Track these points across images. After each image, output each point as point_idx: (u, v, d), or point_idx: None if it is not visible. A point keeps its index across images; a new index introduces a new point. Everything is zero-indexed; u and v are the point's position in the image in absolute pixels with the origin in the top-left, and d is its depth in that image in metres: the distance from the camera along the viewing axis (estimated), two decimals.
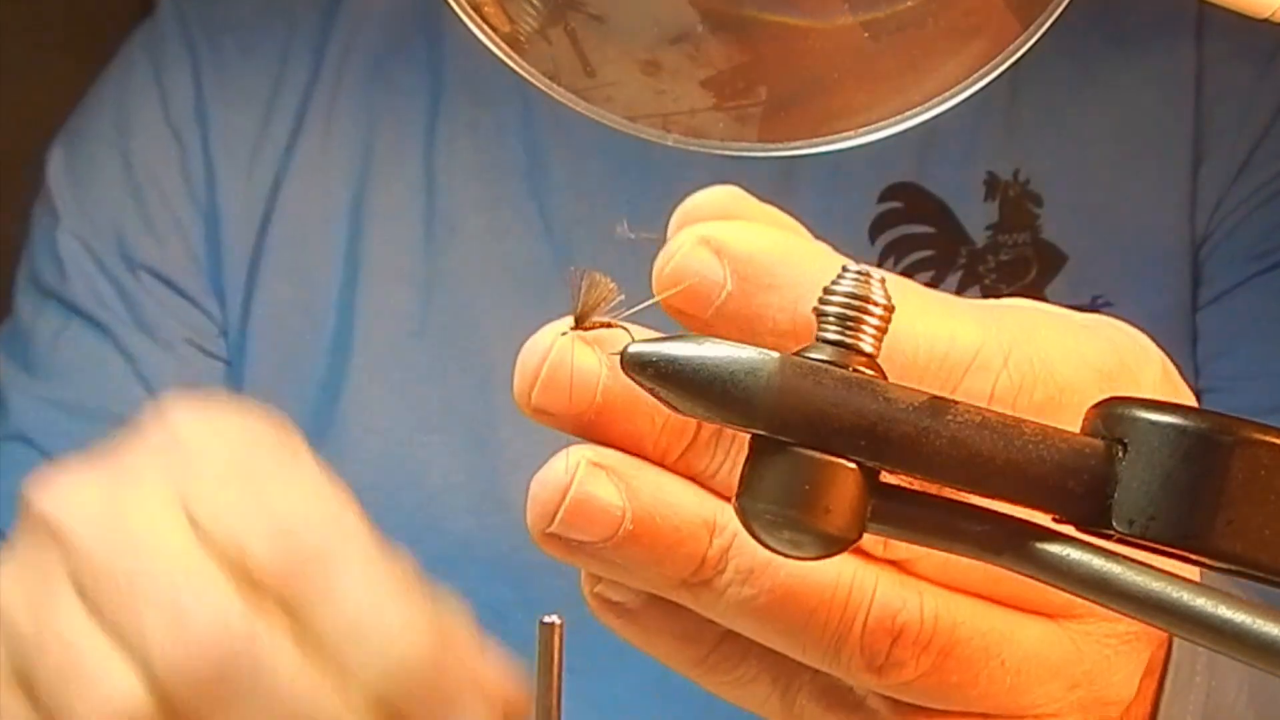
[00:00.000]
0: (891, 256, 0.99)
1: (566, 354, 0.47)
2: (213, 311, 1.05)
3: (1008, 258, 1.00)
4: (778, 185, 0.99)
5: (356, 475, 1.00)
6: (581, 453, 0.48)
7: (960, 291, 1.00)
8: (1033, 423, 0.41)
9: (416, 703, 0.52)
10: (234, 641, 0.50)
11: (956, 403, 0.41)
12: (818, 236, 0.96)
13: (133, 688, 0.50)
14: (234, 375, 1.06)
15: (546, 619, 0.45)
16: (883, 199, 0.99)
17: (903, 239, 0.99)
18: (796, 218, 1.00)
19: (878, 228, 0.99)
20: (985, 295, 1.00)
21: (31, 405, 1.05)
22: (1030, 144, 1.01)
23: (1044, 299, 0.99)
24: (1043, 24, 0.46)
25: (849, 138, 0.49)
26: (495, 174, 1.02)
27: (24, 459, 1.02)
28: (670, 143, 0.48)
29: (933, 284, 0.99)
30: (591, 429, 0.48)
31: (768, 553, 0.46)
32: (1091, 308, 0.99)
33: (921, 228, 0.99)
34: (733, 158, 0.97)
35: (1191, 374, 1.02)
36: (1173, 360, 0.52)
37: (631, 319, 0.44)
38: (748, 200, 0.50)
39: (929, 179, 1.00)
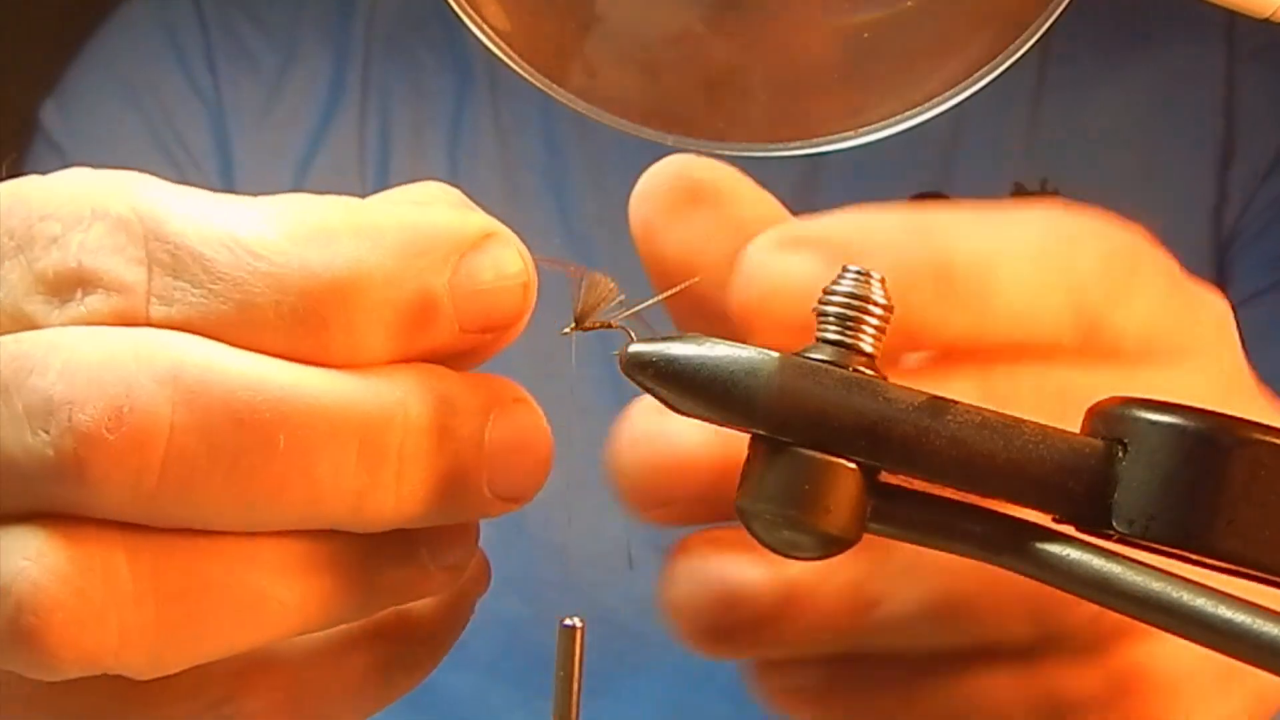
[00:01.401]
0: None
1: (671, 439, 0.46)
2: None
3: None
4: (799, 192, 1.00)
5: None
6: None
7: None
8: (1033, 423, 0.42)
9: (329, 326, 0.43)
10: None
11: (956, 403, 0.42)
12: None
13: None
14: None
15: (567, 622, 0.46)
16: None
17: None
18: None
19: None
20: None
21: None
22: (1057, 152, 1.02)
23: None
24: (1042, 24, 0.48)
25: (849, 138, 0.50)
26: (515, 168, 1.03)
27: None
28: (670, 143, 0.49)
29: None
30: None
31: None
32: None
33: None
34: (753, 163, 0.98)
35: None
36: None
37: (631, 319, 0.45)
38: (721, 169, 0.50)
39: (955, 189, 1.00)
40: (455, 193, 0.50)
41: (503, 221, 1.07)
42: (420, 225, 0.45)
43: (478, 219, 0.47)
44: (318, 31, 1.08)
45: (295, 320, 0.42)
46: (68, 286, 0.43)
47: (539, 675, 1.00)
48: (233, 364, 0.42)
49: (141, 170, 1.05)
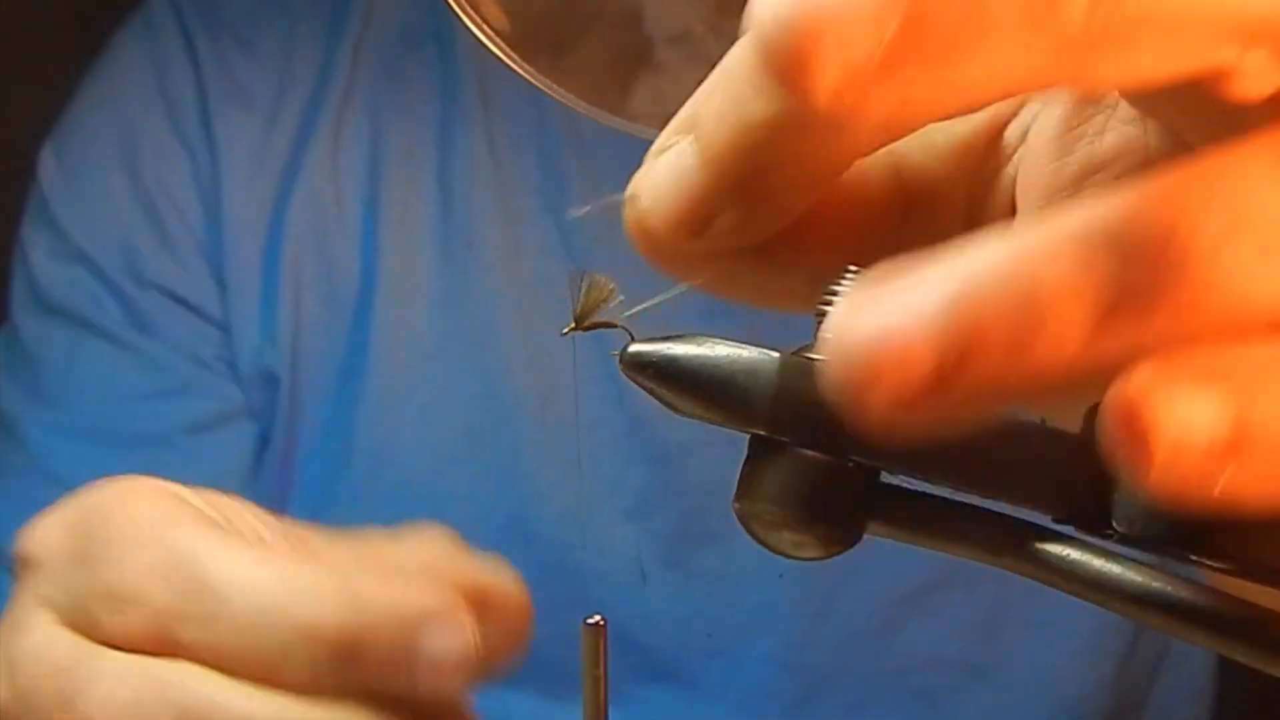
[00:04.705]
0: None
1: None
2: (226, 329, 1.06)
3: None
4: None
5: (375, 511, 1.03)
6: None
7: None
8: (1032, 423, 0.43)
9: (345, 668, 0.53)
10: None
11: None
12: None
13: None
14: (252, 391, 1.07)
15: (590, 620, 0.48)
16: None
17: None
18: None
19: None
20: None
21: (48, 436, 1.06)
22: None
23: None
24: None
25: None
26: (510, 188, 1.04)
27: (47, 495, 1.05)
28: None
29: None
30: None
31: None
32: None
33: None
34: None
35: None
36: None
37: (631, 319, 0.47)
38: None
39: None
40: (445, 542, 0.62)
41: (500, 244, 1.08)
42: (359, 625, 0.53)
43: (417, 601, 0.54)
44: (307, 56, 1.08)
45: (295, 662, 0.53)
46: (118, 600, 0.54)
47: (557, 687, 1.02)
48: (231, 700, 0.52)
49: (120, 229, 1.06)
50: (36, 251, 1.10)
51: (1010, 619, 1.04)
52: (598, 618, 0.49)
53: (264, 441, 1.08)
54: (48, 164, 1.11)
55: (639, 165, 0.94)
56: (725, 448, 0.94)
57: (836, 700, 1.04)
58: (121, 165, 1.08)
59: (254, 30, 1.08)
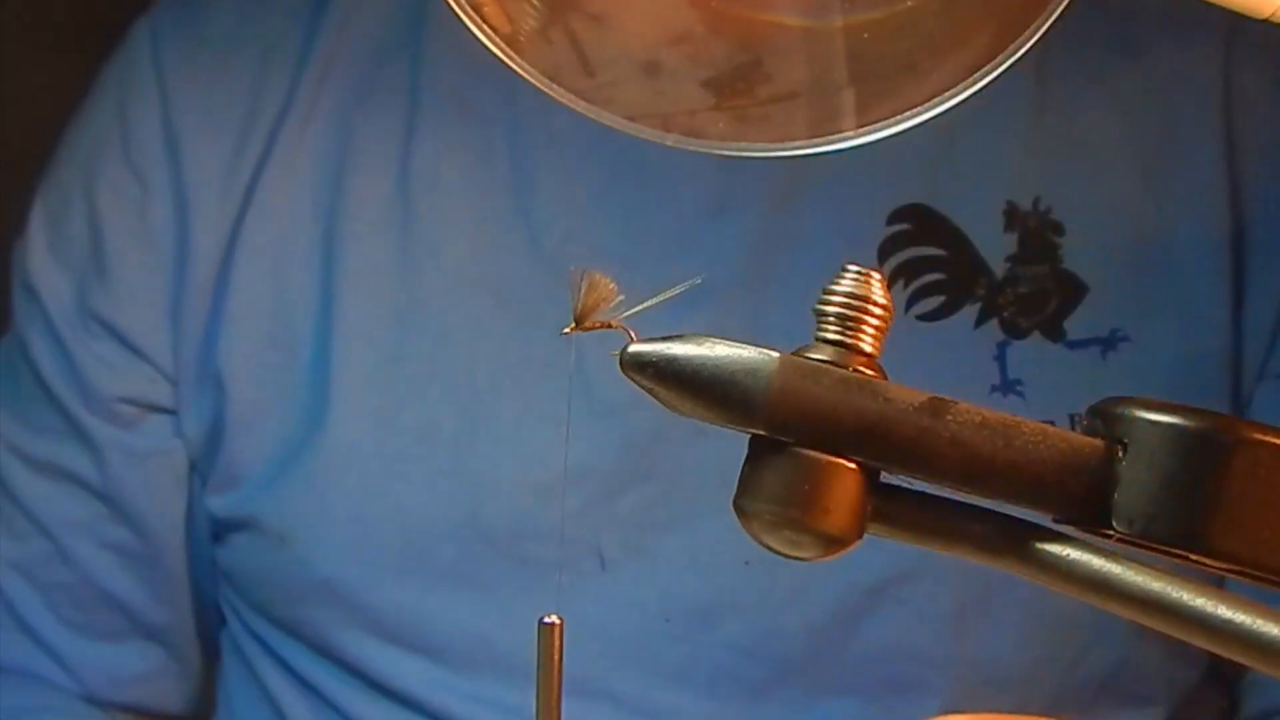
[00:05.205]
0: (902, 278, 1.00)
1: None
2: (163, 362, 1.07)
3: (1027, 290, 1.02)
4: (781, 206, 1.01)
5: (339, 508, 1.03)
6: None
7: (979, 324, 1.02)
8: (1032, 423, 0.44)
9: None
10: None
11: (956, 403, 0.43)
12: (824, 256, 0.99)
13: None
14: (197, 420, 1.07)
15: (547, 619, 0.48)
16: (891, 221, 1.01)
17: (914, 260, 1.01)
18: (801, 237, 1.02)
19: (886, 250, 1.01)
20: (1004, 328, 1.02)
21: (4, 453, 1.09)
22: (1053, 170, 1.03)
23: (1063, 332, 1.01)
24: (1041, 25, 0.49)
25: (848, 138, 0.51)
26: (480, 194, 1.04)
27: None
28: (670, 143, 0.51)
29: (946, 309, 1.01)
30: None
31: None
32: (1109, 341, 1.01)
33: (933, 250, 1.01)
34: (732, 172, 1.00)
35: None
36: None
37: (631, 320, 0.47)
38: None
39: (942, 204, 1.02)
40: None
41: (467, 249, 1.10)
42: None
43: None
44: (280, 72, 1.07)
45: None
46: None
47: (512, 675, 1.02)
48: None
49: (78, 268, 1.09)
50: (14, 274, 1.11)
51: (977, 611, 1.04)
52: (554, 617, 0.49)
53: (193, 466, 1.09)
54: (38, 198, 1.11)
55: (612, 164, 0.94)
56: (694, 435, 0.95)
57: (800, 687, 1.04)
58: (83, 194, 1.08)
59: (232, 47, 1.08)
